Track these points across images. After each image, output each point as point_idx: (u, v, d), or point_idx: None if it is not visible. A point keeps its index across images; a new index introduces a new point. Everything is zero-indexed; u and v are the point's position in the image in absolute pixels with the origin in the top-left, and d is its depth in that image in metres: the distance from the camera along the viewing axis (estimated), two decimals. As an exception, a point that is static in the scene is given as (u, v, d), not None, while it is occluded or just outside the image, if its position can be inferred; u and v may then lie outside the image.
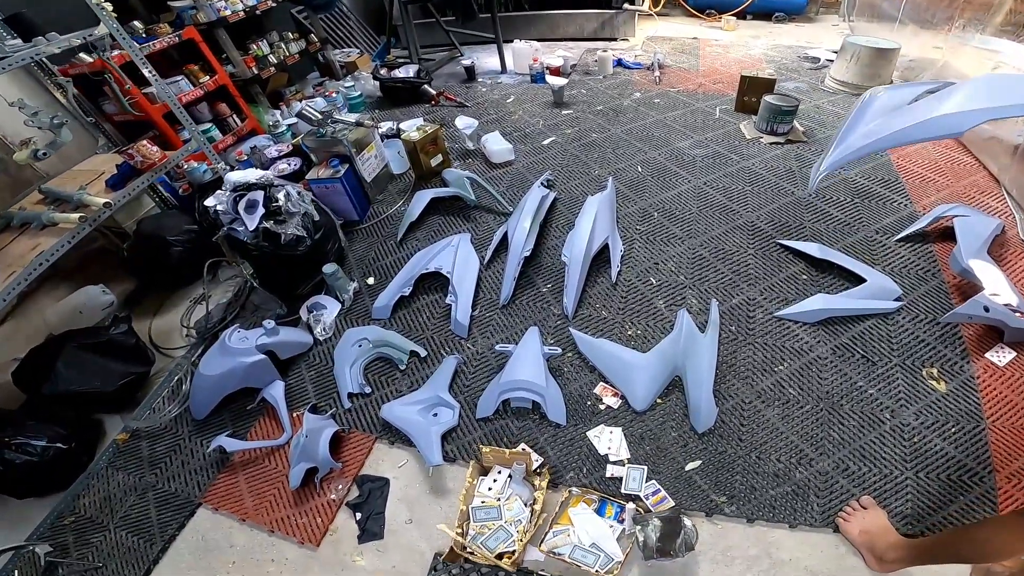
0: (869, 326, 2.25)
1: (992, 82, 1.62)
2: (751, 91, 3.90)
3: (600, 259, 2.69)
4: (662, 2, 7.03)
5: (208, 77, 4.02)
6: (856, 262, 2.48)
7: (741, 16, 6.59)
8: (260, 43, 4.63)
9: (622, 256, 2.72)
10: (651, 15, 6.76)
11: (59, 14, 2.92)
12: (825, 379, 2.10)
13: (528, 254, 2.66)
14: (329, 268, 2.67)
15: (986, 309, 2.06)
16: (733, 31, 6.25)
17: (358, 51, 5.94)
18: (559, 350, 2.26)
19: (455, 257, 2.74)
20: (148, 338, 2.79)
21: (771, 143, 3.55)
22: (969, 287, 2.29)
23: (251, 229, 2.46)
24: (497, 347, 2.32)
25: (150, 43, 3.51)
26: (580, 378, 2.23)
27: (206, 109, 4.11)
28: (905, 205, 2.86)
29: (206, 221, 2.64)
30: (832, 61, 4.66)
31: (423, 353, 2.42)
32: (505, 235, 2.86)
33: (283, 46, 4.85)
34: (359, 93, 4.92)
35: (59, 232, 2.36)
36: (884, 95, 2.07)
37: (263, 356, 2.29)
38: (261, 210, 2.48)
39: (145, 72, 2.89)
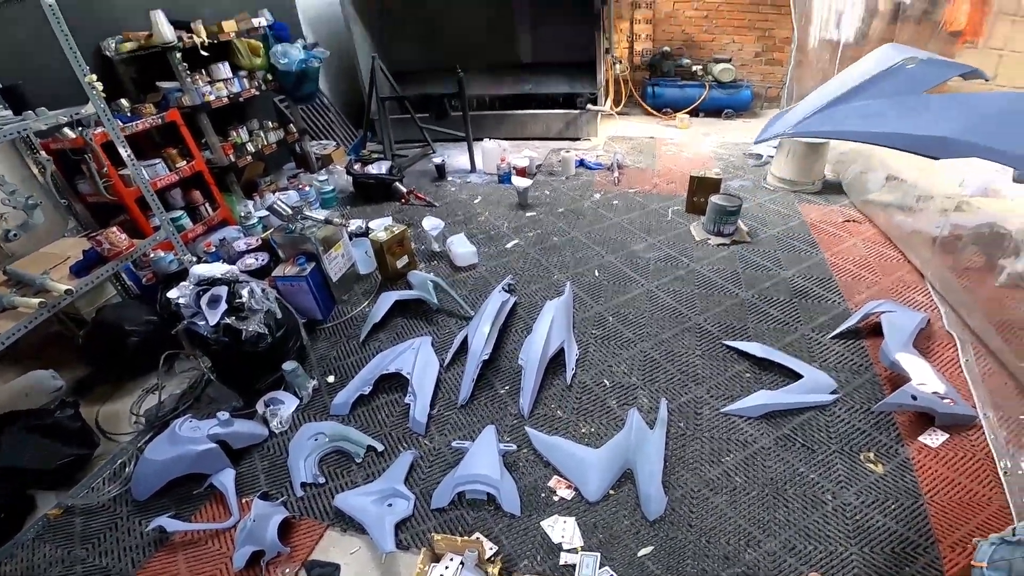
0: (808, 417, 2.37)
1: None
2: (700, 191, 4.16)
3: (557, 362, 2.79)
4: (623, 102, 7.43)
5: (185, 162, 4.08)
6: (794, 360, 2.64)
7: (694, 113, 6.99)
8: (240, 130, 4.76)
9: (577, 360, 2.83)
10: (612, 115, 7.11)
11: (50, 88, 3.05)
12: (769, 467, 2.18)
13: (487, 357, 2.75)
14: (289, 366, 2.70)
15: (914, 398, 2.21)
16: (687, 129, 6.64)
17: (335, 144, 6.15)
18: (514, 447, 2.33)
19: (416, 359, 2.81)
20: (95, 423, 2.72)
21: (718, 244, 3.79)
22: (899, 378, 2.44)
23: (212, 324, 2.50)
24: (454, 443, 2.37)
25: (133, 123, 3.62)
26: (535, 472, 2.27)
27: (179, 196, 4.16)
28: (839, 303, 3.07)
29: (167, 313, 2.66)
30: (773, 157, 4.95)
31: (380, 448, 2.42)
32: (465, 338, 2.95)
33: (262, 135, 4.98)
34: (332, 188, 5.05)
35: (18, 316, 2.37)
36: (915, 68, 1.74)
37: (214, 445, 2.28)
38: (224, 306, 2.53)
39: (123, 153, 2.96)
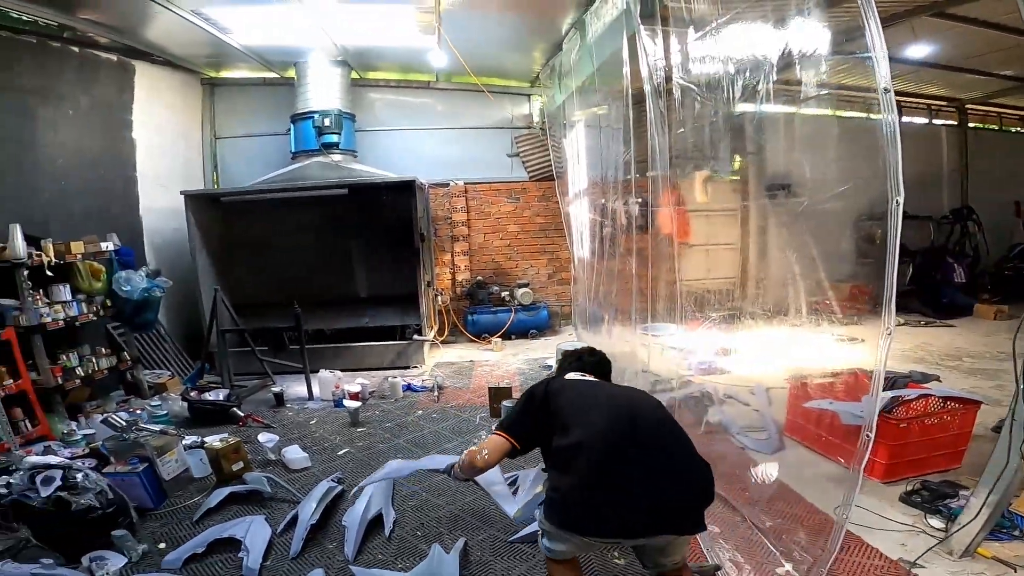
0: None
1: (396, 465, 3.45)
2: (496, 399, 5.16)
3: (378, 524, 3.30)
4: (446, 331, 8.37)
5: (12, 381, 4.01)
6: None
7: (507, 336, 8.08)
8: (71, 354, 4.71)
9: (395, 520, 3.37)
10: (437, 344, 7.95)
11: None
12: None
13: (315, 522, 3.20)
14: (119, 532, 2.95)
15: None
16: (501, 351, 7.69)
17: (169, 373, 6.16)
18: (342, 578, 2.78)
19: (249, 527, 3.17)
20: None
21: (514, 437, 4.68)
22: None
23: (43, 496, 2.80)
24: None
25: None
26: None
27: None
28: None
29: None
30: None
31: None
32: (297, 513, 3.35)
33: (93, 360, 4.95)
34: (165, 412, 5.10)
35: None
36: (405, 462, 3.73)
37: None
38: (58, 483, 2.88)
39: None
